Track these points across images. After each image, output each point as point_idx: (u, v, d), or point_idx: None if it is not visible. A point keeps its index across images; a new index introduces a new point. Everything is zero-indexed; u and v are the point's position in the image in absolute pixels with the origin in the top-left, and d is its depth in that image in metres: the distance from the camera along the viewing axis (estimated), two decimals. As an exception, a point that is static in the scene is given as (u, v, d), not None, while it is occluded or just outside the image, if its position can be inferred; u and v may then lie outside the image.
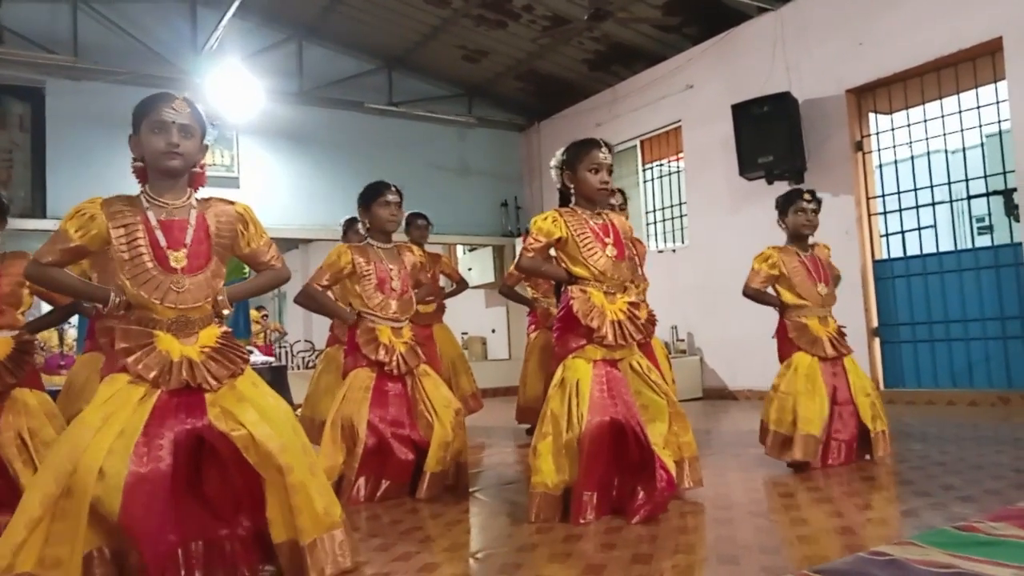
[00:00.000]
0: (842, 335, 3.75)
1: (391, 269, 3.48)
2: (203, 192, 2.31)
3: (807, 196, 3.76)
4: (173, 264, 2.14)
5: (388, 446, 3.31)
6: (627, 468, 2.81)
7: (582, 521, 2.66)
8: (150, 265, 2.11)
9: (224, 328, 2.27)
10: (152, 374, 2.07)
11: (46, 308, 3.81)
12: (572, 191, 3.01)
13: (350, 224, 5.15)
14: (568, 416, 2.76)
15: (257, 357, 6.88)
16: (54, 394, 3.95)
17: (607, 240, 2.95)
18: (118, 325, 2.16)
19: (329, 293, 3.62)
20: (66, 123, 7.55)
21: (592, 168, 2.94)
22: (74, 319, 6.42)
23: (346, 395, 3.35)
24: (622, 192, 4.48)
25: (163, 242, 2.14)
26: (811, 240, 3.85)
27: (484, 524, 2.95)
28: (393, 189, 3.52)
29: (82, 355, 4.39)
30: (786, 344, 3.72)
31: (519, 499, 3.07)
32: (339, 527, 2.13)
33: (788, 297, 3.71)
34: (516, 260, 3.07)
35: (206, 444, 2.09)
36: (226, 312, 2.27)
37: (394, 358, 3.38)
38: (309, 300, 3.53)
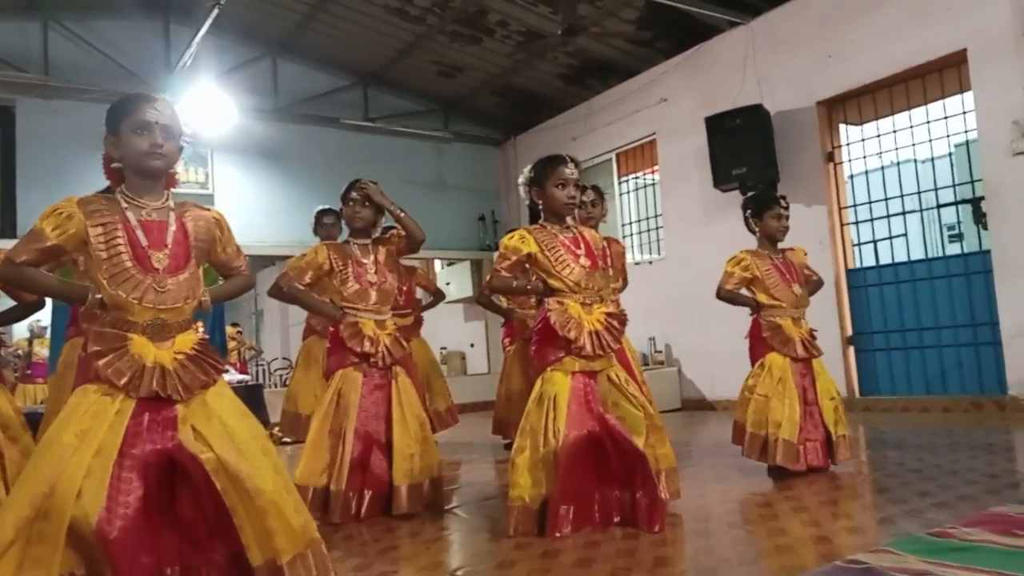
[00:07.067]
0: (813, 337, 3.79)
1: (365, 263, 3.50)
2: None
3: (783, 203, 3.81)
4: (155, 264, 2.11)
5: (368, 455, 3.29)
6: (608, 479, 2.82)
7: (558, 535, 2.66)
8: (129, 264, 2.08)
9: (201, 335, 2.23)
10: (123, 380, 2.02)
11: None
12: (541, 207, 3.05)
13: (319, 218, 5.20)
14: (545, 430, 2.77)
15: (233, 376, 6.82)
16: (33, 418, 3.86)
17: (579, 252, 2.98)
18: (91, 328, 2.11)
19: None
20: (37, 142, 7.46)
21: (559, 184, 2.97)
22: (46, 319, 6.31)
23: (337, 402, 3.32)
24: (596, 188, 4.34)
25: (144, 242, 2.11)
26: (784, 245, 3.89)
27: (463, 541, 2.94)
28: (358, 186, 3.54)
29: (65, 343, 4.30)
30: (759, 344, 3.75)
31: (498, 515, 3.06)
32: (318, 543, 2.10)
33: (763, 298, 3.76)
34: (488, 279, 3.10)
35: (178, 464, 2.06)
36: (202, 326, 2.25)
37: (379, 349, 3.36)
38: (287, 296, 3.53)
